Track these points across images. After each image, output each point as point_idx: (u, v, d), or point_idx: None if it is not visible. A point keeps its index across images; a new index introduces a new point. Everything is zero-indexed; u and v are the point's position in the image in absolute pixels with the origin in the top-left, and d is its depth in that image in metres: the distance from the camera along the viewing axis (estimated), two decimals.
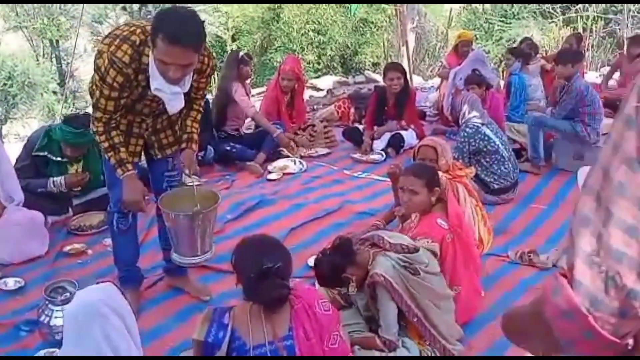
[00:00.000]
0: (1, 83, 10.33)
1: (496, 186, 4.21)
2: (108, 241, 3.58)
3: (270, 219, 4.11)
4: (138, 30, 2.51)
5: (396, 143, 5.46)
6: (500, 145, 4.18)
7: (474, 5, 13.28)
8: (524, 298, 3.11)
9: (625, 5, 10.92)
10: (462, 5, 13.49)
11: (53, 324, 2.67)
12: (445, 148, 3.43)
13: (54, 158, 3.91)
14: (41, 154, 3.88)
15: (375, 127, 5.60)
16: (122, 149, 2.66)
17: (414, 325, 2.54)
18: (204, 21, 2.49)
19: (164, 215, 2.72)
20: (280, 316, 2.00)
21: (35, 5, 11.81)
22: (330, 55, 11.91)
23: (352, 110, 6.61)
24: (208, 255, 2.74)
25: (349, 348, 2.29)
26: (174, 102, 2.58)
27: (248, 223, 4.04)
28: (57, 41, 12.29)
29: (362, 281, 2.54)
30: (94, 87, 2.57)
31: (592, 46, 10.68)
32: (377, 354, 2.49)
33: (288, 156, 5.29)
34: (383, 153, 5.42)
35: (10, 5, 11.75)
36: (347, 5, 11.72)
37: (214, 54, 2.95)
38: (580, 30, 10.57)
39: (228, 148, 5.17)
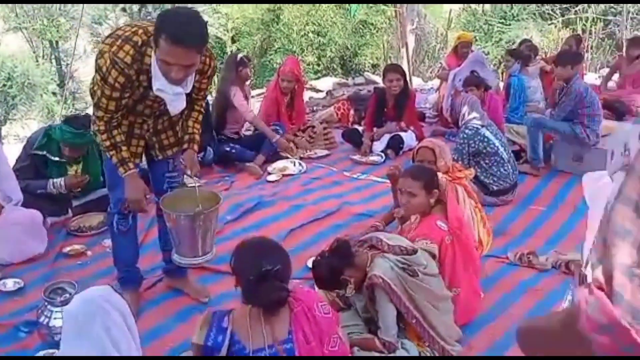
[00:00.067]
0: (1, 84, 10.33)
1: (495, 188, 4.21)
2: (107, 242, 3.58)
3: (270, 220, 4.11)
4: (140, 31, 2.51)
5: (395, 144, 5.46)
6: (499, 146, 4.19)
7: (473, 6, 13.29)
8: (523, 299, 3.11)
9: (625, 6, 10.93)
10: (461, 6, 13.50)
11: (52, 325, 2.67)
12: (444, 149, 3.43)
13: (53, 158, 3.91)
14: (40, 153, 3.88)
15: (375, 129, 5.60)
16: (124, 148, 2.66)
17: (413, 327, 2.54)
18: (206, 22, 2.50)
19: (165, 216, 2.72)
20: (279, 319, 2.00)
21: (35, 6, 11.81)
22: (329, 56, 11.91)
23: (352, 111, 6.62)
24: (209, 256, 2.74)
25: (349, 350, 2.29)
26: (176, 103, 2.59)
27: (247, 224, 4.04)
28: (57, 42, 12.29)
29: (361, 283, 2.54)
30: (95, 87, 2.57)
31: (592, 48, 10.69)
32: (376, 354, 2.49)
33: (287, 157, 5.29)
34: (382, 154, 5.42)
35: (10, 6, 11.75)
36: (346, 6, 11.74)
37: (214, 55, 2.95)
38: (580, 31, 10.59)
39: (227, 149, 5.17)
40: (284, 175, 4.99)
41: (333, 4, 11.76)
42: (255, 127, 5.58)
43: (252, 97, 6.75)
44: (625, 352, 0.78)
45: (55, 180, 3.89)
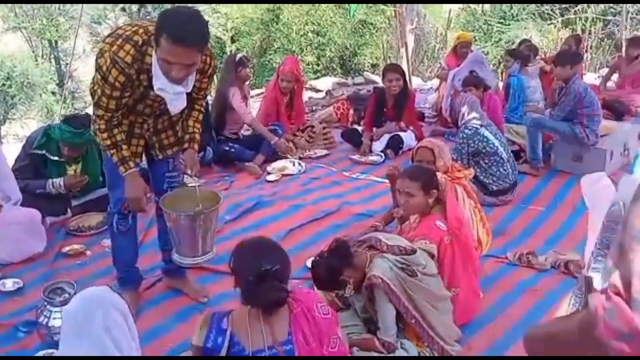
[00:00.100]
0: (0, 83, 10.32)
1: (495, 187, 4.21)
2: (107, 242, 3.58)
3: (269, 220, 4.11)
4: (140, 31, 2.51)
5: (395, 144, 5.47)
6: (499, 146, 4.19)
7: (473, 6, 13.30)
8: (522, 299, 3.11)
9: (624, 6, 10.94)
10: (461, 6, 13.50)
11: (52, 325, 2.67)
12: (443, 149, 3.43)
13: (52, 157, 3.91)
14: (39, 152, 3.88)
15: (374, 129, 5.60)
16: (125, 147, 2.66)
17: (412, 327, 2.54)
18: (207, 21, 2.50)
19: (165, 216, 2.72)
20: (279, 321, 2.00)
21: (34, 5, 11.80)
22: (329, 56, 11.91)
23: (351, 111, 6.62)
24: (209, 256, 2.74)
25: (348, 350, 2.29)
26: (177, 102, 2.59)
27: (246, 224, 4.04)
28: (56, 42, 12.28)
29: (360, 283, 2.54)
30: (96, 86, 2.57)
31: (591, 48, 10.70)
32: (375, 355, 2.49)
33: (287, 157, 5.29)
34: (382, 154, 5.42)
35: (9, 5, 11.74)
36: (346, 6, 11.73)
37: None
38: (579, 31, 10.59)
39: (227, 149, 5.18)
40: (283, 175, 4.99)
41: (332, 4, 11.76)
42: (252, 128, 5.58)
43: (252, 97, 6.74)
44: None
45: (54, 180, 3.89)
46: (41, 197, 3.85)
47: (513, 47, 8.16)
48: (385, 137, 5.52)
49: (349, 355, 2.31)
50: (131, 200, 2.73)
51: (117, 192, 2.83)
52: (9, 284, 3.27)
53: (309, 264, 2.95)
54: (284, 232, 3.85)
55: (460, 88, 5.42)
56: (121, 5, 12.14)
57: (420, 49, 12.28)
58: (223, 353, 1.93)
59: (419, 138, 5.27)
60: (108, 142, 2.63)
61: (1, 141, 9.33)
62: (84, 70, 11.92)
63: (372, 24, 12.16)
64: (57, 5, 11.91)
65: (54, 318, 2.67)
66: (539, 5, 12.26)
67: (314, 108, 7.42)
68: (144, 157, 2.96)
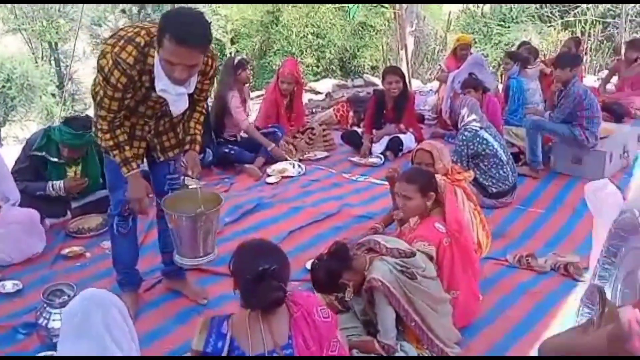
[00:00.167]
0: (0, 85, 10.33)
1: (494, 190, 4.22)
2: (106, 244, 3.58)
3: (269, 222, 4.11)
4: (143, 32, 2.51)
5: (395, 146, 5.47)
6: (498, 148, 4.19)
7: (472, 8, 13.31)
8: (522, 301, 3.11)
9: (624, 9, 10.95)
10: (460, 8, 13.52)
11: (51, 326, 2.67)
12: (442, 152, 3.42)
13: (52, 159, 3.91)
14: (39, 153, 3.88)
15: (374, 131, 5.61)
16: (127, 148, 2.67)
17: (412, 330, 2.54)
18: (210, 22, 2.50)
19: (166, 217, 2.72)
20: (279, 324, 2.00)
21: (34, 7, 11.81)
22: (329, 58, 11.92)
23: (351, 113, 6.62)
24: (211, 257, 2.75)
25: (348, 352, 2.29)
26: (179, 103, 2.59)
27: (246, 226, 4.04)
28: (56, 44, 12.28)
29: (359, 286, 2.54)
30: (98, 87, 2.57)
31: (591, 50, 10.70)
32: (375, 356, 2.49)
33: (286, 159, 5.30)
34: (382, 156, 5.42)
35: (9, 7, 11.74)
36: (346, 8, 11.74)
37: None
38: (579, 34, 10.60)
39: (227, 151, 5.18)
40: (283, 177, 4.99)
41: (332, 6, 11.77)
42: (255, 126, 5.58)
43: (251, 99, 6.74)
44: None
45: (54, 182, 3.89)
46: (41, 199, 3.85)
47: (513, 49, 8.17)
48: (385, 139, 5.52)
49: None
50: (134, 201, 2.74)
51: (117, 194, 2.84)
52: (9, 286, 3.27)
53: (308, 265, 2.96)
54: (283, 234, 3.85)
55: (460, 90, 5.42)
56: (121, 7, 12.14)
57: (420, 51, 12.29)
58: None
59: (418, 140, 5.27)
60: (110, 142, 2.63)
61: (1, 143, 9.33)
62: (84, 72, 11.93)
63: (371, 26, 12.16)
64: (57, 7, 11.92)
65: (54, 320, 2.67)
66: (538, 7, 12.28)
67: (313, 110, 7.42)
68: (144, 160, 2.96)
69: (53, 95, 11.35)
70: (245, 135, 5.60)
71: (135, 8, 12.11)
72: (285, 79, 5.49)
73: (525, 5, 12.33)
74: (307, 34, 11.67)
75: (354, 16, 11.73)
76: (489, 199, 4.19)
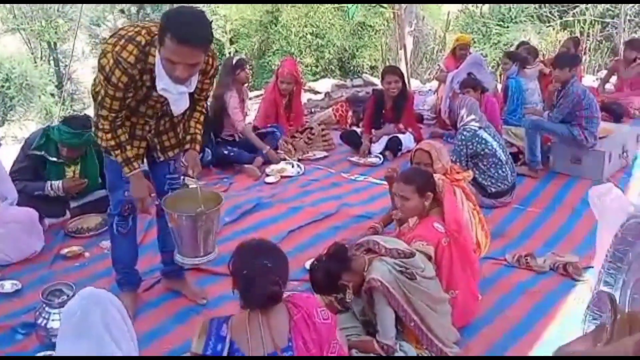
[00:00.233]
0: None
1: (493, 190, 4.22)
2: (105, 244, 3.58)
3: (268, 222, 4.11)
4: (143, 31, 2.51)
5: (394, 146, 5.47)
6: (497, 148, 4.19)
7: (471, 8, 13.32)
8: (521, 301, 3.12)
9: (622, 9, 10.96)
10: (459, 8, 13.53)
11: (50, 326, 2.67)
12: (441, 152, 3.42)
13: (51, 158, 3.91)
14: (38, 153, 3.88)
15: (373, 130, 5.61)
16: (129, 148, 2.67)
17: (411, 330, 2.54)
18: (211, 22, 2.50)
19: (167, 216, 2.72)
20: (279, 327, 1.99)
21: (33, 7, 11.81)
22: (328, 58, 11.92)
23: (350, 113, 6.62)
24: (211, 256, 2.74)
25: (347, 353, 2.29)
26: (180, 102, 2.59)
27: (245, 226, 4.04)
28: (55, 43, 12.29)
29: (359, 287, 2.53)
30: (98, 87, 2.56)
31: (589, 50, 10.71)
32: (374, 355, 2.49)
33: (285, 159, 5.30)
34: (381, 156, 5.43)
35: (8, 7, 11.75)
36: (345, 8, 11.74)
37: None
38: (578, 34, 10.60)
39: (226, 152, 5.18)
40: (282, 177, 4.99)
41: (331, 6, 11.77)
42: (254, 126, 5.58)
43: (250, 98, 6.74)
44: None
45: (53, 182, 3.88)
46: (40, 199, 3.85)
47: (511, 49, 8.17)
48: (384, 139, 5.52)
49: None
50: (136, 201, 2.74)
51: (117, 194, 2.84)
52: (8, 286, 3.27)
53: (307, 265, 2.96)
54: (283, 233, 3.85)
55: (459, 90, 5.43)
56: (120, 7, 12.15)
57: (419, 51, 12.30)
58: None
59: (417, 140, 5.27)
60: (112, 142, 2.63)
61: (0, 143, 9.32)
62: (83, 72, 11.94)
63: (370, 26, 12.17)
64: (56, 7, 11.92)
65: (53, 320, 2.67)
66: (537, 7, 12.28)
67: (312, 110, 7.42)
68: (144, 159, 2.96)
69: (52, 95, 11.36)
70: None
71: (134, 8, 12.12)
72: (285, 79, 5.49)
73: (524, 5, 12.34)
74: (306, 33, 11.68)
75: (353, 16, 11.73)
76: (488, 199, 4.19)
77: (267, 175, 5.01)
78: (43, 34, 11.79)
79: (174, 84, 2.46)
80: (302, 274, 3.24)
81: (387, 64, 10.52)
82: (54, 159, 3.92)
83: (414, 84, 9.01)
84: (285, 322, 2.01)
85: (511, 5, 12.36)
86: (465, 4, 13.43)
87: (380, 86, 5.86)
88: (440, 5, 13.69)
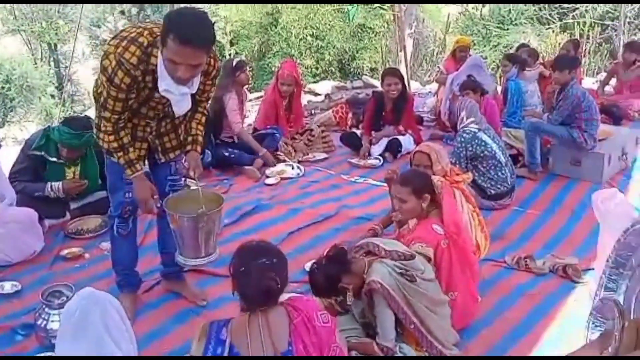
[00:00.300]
0: None
1: (493, 191, 4.22)
2: (105, 245, 3.58)
3: (268, 223, 4.11)
4: (145, 32, 2.51)
5: (394, 148, 5.48)
6: (497, 150, 4.20)
7: (471, 11, 13.33)
8: (520, 303, 3.12)
9: (622, 11, 10.98)
10: (459, 10, 13.54)
11: (50, 327, 2.67)
12: (440, 154, 3.43)
13: (51, 159, 3.91)
14: (38, 153, 3.88)
15: (373, 132, 5.62)
16: (131, 149, 2.67)
17: (411, 332, 2.54)
18: (214, 22, 2.50)
19: (168, 217, 2.72)
20: (279, 330, 1.99)
21: (34, 8, 11.82)
22: (328, 60, 11.92)
23: (350, 115, 6.63)
24: (213, 257, 2.75)
25: (347, 354, 2.29)
26: (182, 103, 2.59)
27: (245, 227, 4.04)
28: (55, 45, 12.30)
29: (359, 289, 2.53)
30: (101, 88, 2.56)
31: (589, 52, 10.72)
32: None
33: (285, 161, 5.30)
34: (380, 158, 5.43)
35: (9, 8, 11.76)
36: (345, 10, 11.75)
37: None
38: (577, 36, 10.62)
39: (226, 154, 5.18)
40: (282, 179, 5.00)
41: (331, 8, 11.78)
42: (254, 128, 5.58)
43: (250, 100, 6.74)
44: None
45: (53, 183, 3.89)
46: (39, 200, 3.85)
47: (511, 51, 8.18)
48: (384, 141, 5.53)
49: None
50: (139, 202, 2.74)
51: (118, 196, 2.84)
52: (7, 287, 3.27)
53: (307, 267, 2.96)
54: (282, 235, 3.85)
55: (458, 92, 5.43)
56: (120, 8, 12.16)
57: (419, 53, 12.31)
58: None
59: (417, 142, 5.28)
60: (115, 144, 2.63)
61: (0, 144, 9.32)
62: (83, 74, 11.95)
63: (371, 28, 12.17)
64: (56, 8, 11.94)
65: (52, 321, 2.67)
66: (537, 10, 12.29)
67: (312, 111, 7.43)
68: (146, 161, 2.96)
69: (52, 96, 11.37)
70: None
71: (134, 9, 12.13)
72: (285, 81, 5.49)
73: (524, 8, 12.35)
74: (307, 35, 11.68)
75: (353, 18, 11.73)
76: (487, 201, 4.20)
77: (267, 176, 5.02)
78: (43, 35, 11.80)
79: (176, 84, 2.46)
80: (302, 276, 3.24)
81: (387, 66, 10.52)
82: (54, 160, 3.92)
83: (414, 86, 9.02)
84: (285, 325, 2.01)
85: (511, 7, 12.37)
86: (465, 5, 13.44)
87: (380, 88, 5.87)
88: (440, 7, 13.70)
